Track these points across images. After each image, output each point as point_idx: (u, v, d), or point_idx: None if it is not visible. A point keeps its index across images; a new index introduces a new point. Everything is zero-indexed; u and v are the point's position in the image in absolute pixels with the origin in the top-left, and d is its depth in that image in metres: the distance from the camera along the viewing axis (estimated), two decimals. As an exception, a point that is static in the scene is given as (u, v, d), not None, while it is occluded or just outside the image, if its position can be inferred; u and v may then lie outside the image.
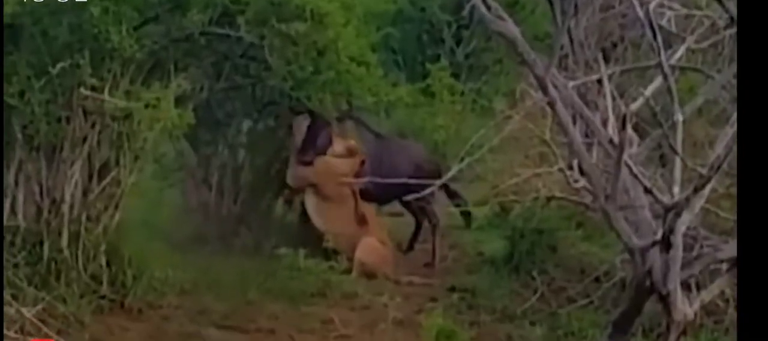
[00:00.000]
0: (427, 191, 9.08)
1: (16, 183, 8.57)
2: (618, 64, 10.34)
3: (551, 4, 10.83)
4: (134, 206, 9.29)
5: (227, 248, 10.35)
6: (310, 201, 10.53)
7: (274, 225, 10.70)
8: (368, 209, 10.72)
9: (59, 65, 8.20)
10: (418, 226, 11.26)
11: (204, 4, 8.61)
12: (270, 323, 9.09)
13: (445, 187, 10.67)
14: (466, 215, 11.46)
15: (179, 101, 8.63)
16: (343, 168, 10.49)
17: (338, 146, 10.48)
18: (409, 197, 9.73)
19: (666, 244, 7.30)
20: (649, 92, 8.19)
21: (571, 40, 11.27)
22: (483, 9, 7.83)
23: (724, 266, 7.80)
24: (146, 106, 8.43)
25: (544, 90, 7.66)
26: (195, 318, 8.94)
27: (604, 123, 7.94)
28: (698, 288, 7.78)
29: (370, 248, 10.44)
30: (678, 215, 7.24)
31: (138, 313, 8.76)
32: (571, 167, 8.46)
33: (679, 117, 7.58)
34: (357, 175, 10.51)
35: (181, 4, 8.68)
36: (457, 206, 11.37)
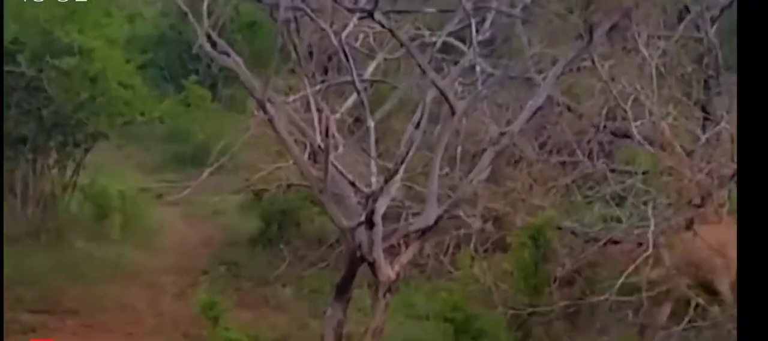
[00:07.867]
0: None
1: None
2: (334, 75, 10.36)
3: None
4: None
5: (35, 244, 10.45)
6: None
7: (72, 222, 10.89)
8: None
9: None
10: None
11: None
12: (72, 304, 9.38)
13: None
14: None
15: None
16: None
17: None
18: None
19: (369, 223, 7.79)
20: (347, 105, 8.71)
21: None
22: (208, 48, 8.08)
23: (415, 235, 8.22)
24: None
25: (264, 109, 7.96)
26: (12, 306, 8.97)
27: (315, 131, 8.21)
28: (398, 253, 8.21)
29: None
30: (375, 200, 7.74)
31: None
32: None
33: (371, 123, 8.09)
34: None
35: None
36: None
